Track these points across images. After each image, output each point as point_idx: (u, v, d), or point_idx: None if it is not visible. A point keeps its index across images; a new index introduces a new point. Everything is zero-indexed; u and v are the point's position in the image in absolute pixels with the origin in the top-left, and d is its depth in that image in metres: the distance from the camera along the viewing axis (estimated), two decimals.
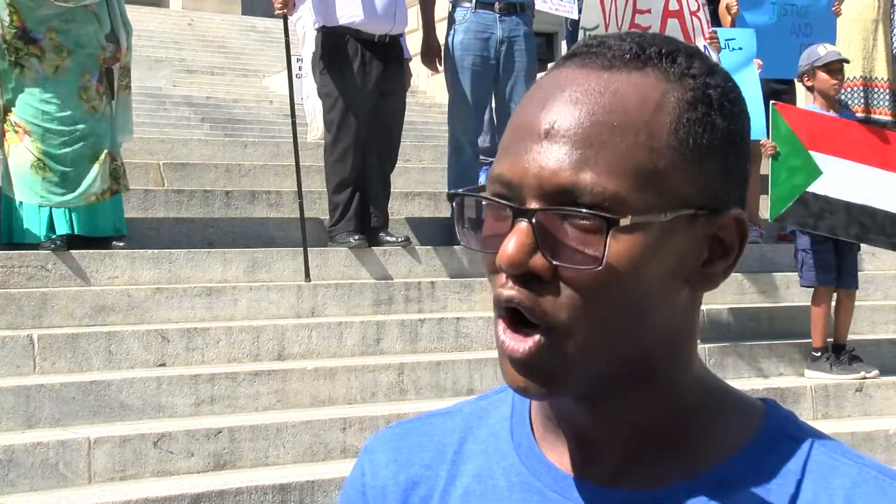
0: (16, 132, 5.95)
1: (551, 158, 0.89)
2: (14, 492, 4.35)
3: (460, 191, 0.96)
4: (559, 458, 1.00)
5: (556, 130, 0.90)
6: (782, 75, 7.40)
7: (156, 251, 6.13)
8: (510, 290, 0.91)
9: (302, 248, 6.35)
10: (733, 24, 7.59)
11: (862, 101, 8.39)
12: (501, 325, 0.93)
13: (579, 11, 7.15)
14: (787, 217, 6.17)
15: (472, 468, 1.04)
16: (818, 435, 0.98)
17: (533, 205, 0.90)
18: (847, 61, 6.69)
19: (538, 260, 0.89)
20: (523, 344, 0.91)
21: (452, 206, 0.96)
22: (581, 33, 6.47)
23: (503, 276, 0.92)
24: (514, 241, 0.89)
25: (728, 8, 7.68)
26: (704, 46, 6.34)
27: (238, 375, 5.22)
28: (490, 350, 6.08)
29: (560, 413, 0.99)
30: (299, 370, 5.36)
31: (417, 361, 5.68)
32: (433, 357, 5.81)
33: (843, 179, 6.14)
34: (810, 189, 6.06)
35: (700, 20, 6.64)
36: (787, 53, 6.90)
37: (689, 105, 0.91)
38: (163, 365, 5.36)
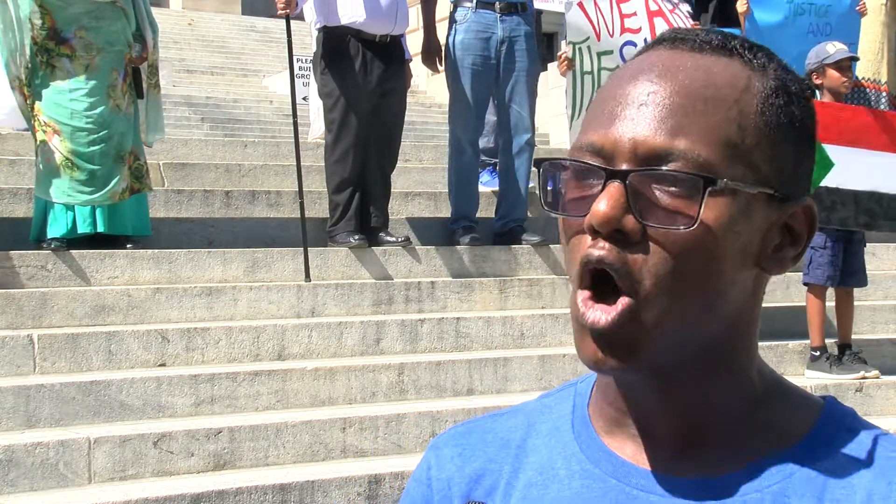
0: (45, 132, 6.00)
1: (646, 124, 0.92)
2: (14, 492, 4.35)
3: (548, 158, 0.98)
4: (619, 447, 1.02)
5: (650, 99, 0.93)
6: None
7: (156, 251, 6.14)
8: (600, 250, 0.92)
9: (302, 248, 6.35)
10: (744, 24, 7.57)
11: (873, 103, 8.37)
12: (581, 297, 0.94)
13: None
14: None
15: (535, 461, 1.06)
16: (878, 430, 1.00)
17: (625, 167, 0.92)
18: (857, 58, 6.67)
19: (629, 220, 0.91)
20: (606, 314, 0.92)
21: (539, 171, 0.98)
22: (570, 48, 6.52)
23: (588, 238, 0.93)
24: (606, 200, 0.91)
25: (738, 7, 7.67)
26: None
27: (238, 375, 5.22)
28: (490, 350, 6.08)
29: (626, 398, 1.00)
30: (299, 370, 5.36)
31: (417, 361, 5.68)
32: (433, 357, 5.81)
33: (853, 168, 6.10)
34: (823, 183, 6.03)
35: (681, 15, 6.69)
36: (803, 53, 6.86)
37: (772, 92, 0.96)
38: (163, 365, 5.36)
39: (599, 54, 6.43)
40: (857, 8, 7.86)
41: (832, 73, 6.37)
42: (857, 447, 0.97)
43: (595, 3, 6.41)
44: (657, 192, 0.91)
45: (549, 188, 0.97)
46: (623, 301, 0.92)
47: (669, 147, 0.91)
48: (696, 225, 0.90)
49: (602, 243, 0.92)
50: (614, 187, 0.91)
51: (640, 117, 0.92)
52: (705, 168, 0.91)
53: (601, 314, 0.93)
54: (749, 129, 0.93)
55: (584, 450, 1.03)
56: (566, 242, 0.97)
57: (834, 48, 6.44)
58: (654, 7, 6.49)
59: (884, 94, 8.52)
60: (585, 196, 0.94)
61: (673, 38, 0.98)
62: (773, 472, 0.96)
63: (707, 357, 0.96)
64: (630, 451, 1.01)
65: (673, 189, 0.91)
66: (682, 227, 0.90)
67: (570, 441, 1.05)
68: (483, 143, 7.61)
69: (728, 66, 0.95)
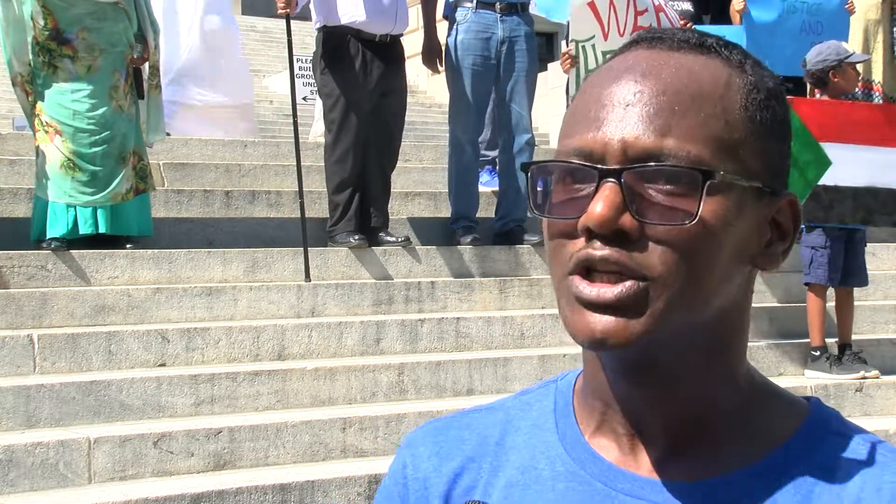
0: (46, 132, 6.00)
1: (634, 125, 0.92)
2: (14, 492, 4.35)
3: (536, 161, 0.97)
4: (605, 449, 1.00)
5: (637, 99, 0.92)
6: (791, 73, 7.40)
7: (156, 251, 6.13)
8: (600, 250, 0.91)
9: (302, 248, 6.35)
10: (741, 22, 7.61)
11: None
12: (578, 279, 0.92)
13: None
14: (802, 215, 6.08)
15: (516, 459, 1.04)
16: (864, 432, 0.99)
17: (617, 168, 0.91)
18: (867, 59, 6.68)
19: (627, 219, 0.91)
20: (612, 288, 0.91)
21: (527, 175, 0.97)
22: (573, 46, 6.49)
23: (582, 240, 0.92)
24: (602, 201, 0.90)
25: (734, 5, 7.70)
26: None
27: (238, 375, 5.22)
28: (490, 350, 6.08)
29: (616, 395, 0.99)
30: (299, 370, 5.36)
31: (417, 361, 5.68)
32: (433, 357, 5.80)
33: (850, 165, 6.06)
34: (821, 181, 6.00)
35: (672, 10, 6.72)
36: (796, 51, 6.87)
37: (752, 88, 0.96)
38: (163, 365, 5.36)
39: (605, 53, 6.40)
40: (846, 7, 7.89)
41: (852, 72, 6.36)
42: (845, 451, 0.97)
43: (611, 1, 6.37)
44: (652, 191, 0.91)
45: (537, 190, 0.96)
46: (626, 283, 0.91)
47: (660, 146, 0.90)
48: (696, 219, 0.90)
49: (599, 244, 0.91)
50: (609, 187, 0.90)
51: (628, 118, 0.92)
52: (697, 164, 0.90)
53: (607, 289, 0.91)
54: (736, 125, 0.93)
55: (569, 451, 1.02)
56: (553, 241, 0.95)
57: (851, 48, 6.45)
58: (657, 2, 6.50)
59: (876, 93, 8.52)
60: (575, 198, 0.93)
61: (650, 38, 0.98)
62: (761, 476, 0.96)
63: (701, 351, 0.95)
64: (616, 454, 0.99)
65: (669, 186, 0.90)
66: (684, 223, 0.90)
67: (554, 441, 1.03)
68: (480, 138, 7.59)
69: (707, 63, 0.95)
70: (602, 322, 0.91)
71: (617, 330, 0.91)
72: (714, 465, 0.97)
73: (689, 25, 6.96)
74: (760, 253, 0.97)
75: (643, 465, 0.98)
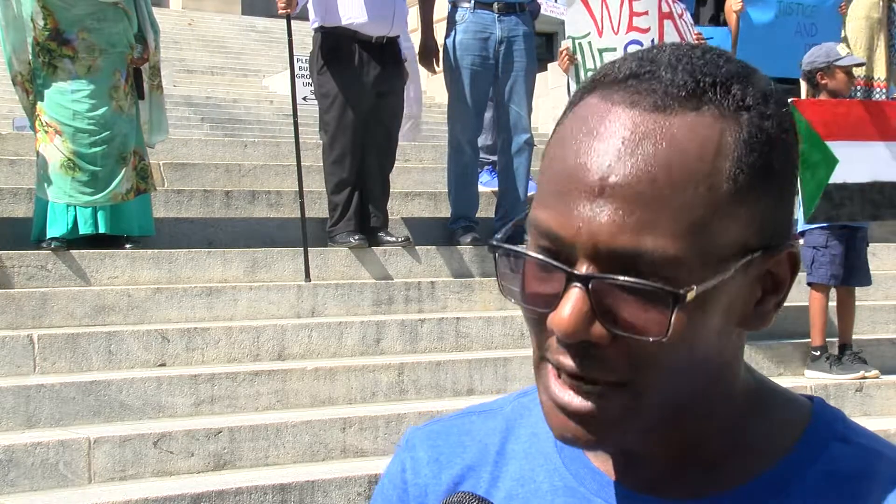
0: (46, 132, 6.01)
1: (606, 219, 0.83)
2: (14, 492, 4.35)
3: (503, 245, 0.90)
4: (603, 463, 0.98)
5: (612, 186, 0.84)
6: (786, 74, 7.40)
7: (156, 251, 6.14)
8: (568, 360, 0.87)
9: (302, 248, 6.35)
10: (738, 23, 7.62)
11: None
12: (552, 375, 0.89)
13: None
14: (817, 216, 6.10)
15: (515, 470, 1.02)
16: (869, 435, 0.97)
17: (586, 267, 0.84)
18: (863, 64, 6.68)
19: (597, 329, 0.85)
20: (583, 401, 0.88)
21: (495, 256, 0.90)
22: (569, 42, 6.47)
23: (554, 339, 0.88)
24: (569, 309, 0.84)
25: (732, 5, 7.70)
26: None
27: (238, 375, 5.22)
28: (490, 350, 6.08)
29: None
30: (299, 370, 5.36)
31: (417, 361, 5.68)
32: (433, 357, 5.81)
33: (856, 162, 6.07)
34: (830, 180, 6.00)
35: (686, 23, 6.68)
36: (791, 52, 6.89)
37: (746, 145, 0.86)
38: (163, 365, 5.36)
39: (601, 51, 6.37)
40: (839, 9, 7.91)
41: (841, 75, 6.36)
42: (850, 459, 0.94)
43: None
44: (624, 296, 0.84)
45: (506, 272, 0.90)
46: (595, 397, 0.87)
47: (635, 247, 0.83)
48: (667, 336, 0.84)
49: (567, 352, 0.87)
50: (576, 295, 0.84)
51: (601, 208, 0.83)
52: (675, 265, 0.83)
53: (575, 398, 0.88)
54: (720, 203, 0.85)
55: (567, 465, 1.00)
56: (528, 323, 0.91)
57: (844, 51, 6.46)
58: (665, 9, 6.45)
59: (879, 89, 8.53)
60: (547, 291, 0.87)
61: (633, 88, 0.87)
62: (764, 492, 0.94)
63: (683, 413, 0.92)
64: (614, 470, 0.98)
65: (640, 296, 0.84)
66: (653, 338, 0.84)
67: (552, 452, 1.01)
68: (481, 140, 7.60)
69: (696, 125, 0.85)
70: (573, 429, 0.88)
71: (588, 438, 0.88)
72: (715, 481, 0.94)
73: (702, 41, 6.91)
74: (750, 314, 0.90)
75: (642, 482, 0.96)
